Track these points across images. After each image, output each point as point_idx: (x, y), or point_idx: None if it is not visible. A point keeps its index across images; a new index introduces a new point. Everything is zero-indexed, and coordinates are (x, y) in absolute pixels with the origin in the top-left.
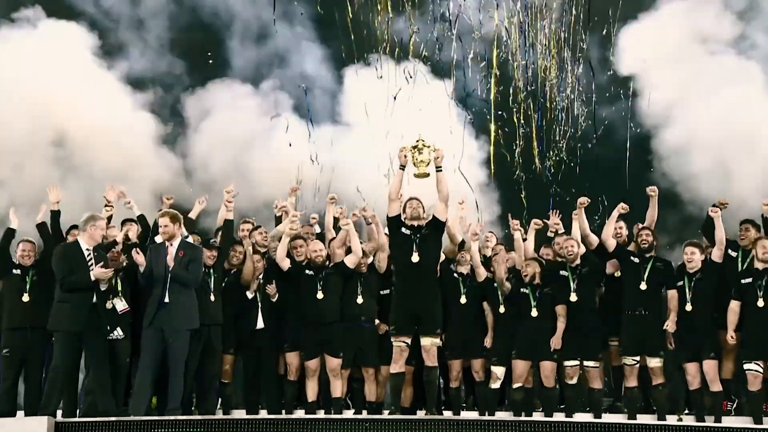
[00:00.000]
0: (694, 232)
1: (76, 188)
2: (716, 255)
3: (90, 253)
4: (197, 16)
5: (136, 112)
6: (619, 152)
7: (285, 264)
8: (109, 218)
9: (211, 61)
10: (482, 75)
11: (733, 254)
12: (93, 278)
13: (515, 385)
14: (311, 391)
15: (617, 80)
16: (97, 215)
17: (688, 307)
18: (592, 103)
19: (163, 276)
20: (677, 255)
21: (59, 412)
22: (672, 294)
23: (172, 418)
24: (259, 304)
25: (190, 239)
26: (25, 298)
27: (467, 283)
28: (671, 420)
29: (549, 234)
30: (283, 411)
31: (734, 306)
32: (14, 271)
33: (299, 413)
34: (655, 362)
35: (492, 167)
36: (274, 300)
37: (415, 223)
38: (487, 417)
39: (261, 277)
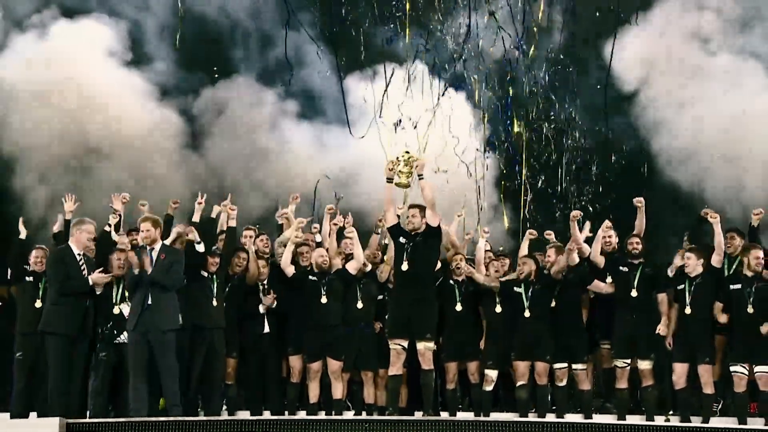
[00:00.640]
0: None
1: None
2: (715, 260)
3: (81, 258)
4: (204, 27)
5: (157, 119)
6: (624, 160)
7: (289, 270)
8: (117, 225)
9: (217, 75)
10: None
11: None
12: (90, 282)
13: (519, 383)
14: (313, 393)
15: (621, 91)
16: (85, 219)
17: (688, 310)
18: (601, 115)
19: (145, 280)
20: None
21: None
22: (662, 298)
23: (179, 419)
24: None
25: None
26: (38, 304)
27: (462, 290)
28: (659, 420)
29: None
30: (286, 412)
31: (663, 298)
32: (27, 278)
33: (301, 414)
34: (645, 364)
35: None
36: (273, 306)
37: (412, 232)
38: (482, 418)
39: (265, 282)
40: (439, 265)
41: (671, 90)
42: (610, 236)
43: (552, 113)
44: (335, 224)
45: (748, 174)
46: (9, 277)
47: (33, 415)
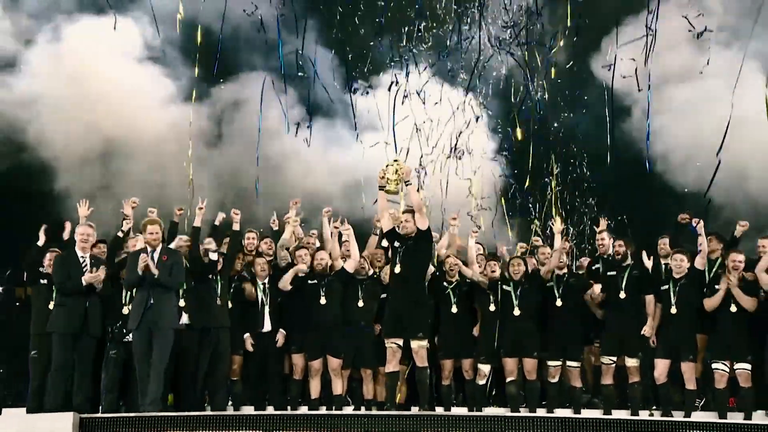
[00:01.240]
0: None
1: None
2: (699, 263)
3: (85, 260)
4: (218, 34)
5: (174, 121)
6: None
7: (287, 287)
8: (128, 231)
9: (223, 87)
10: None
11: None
12: (84, 282)
13: (508, 380)
14: (314, 389)
15: (623, 99)
16: (82, 223)
17: (673, 310)
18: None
19: (147, 280)
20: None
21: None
22: (649, 299)
23: (187, 414)
24: (266, 308)
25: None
26: (51, 305)
27: (457, 292)
28: (643, 415)
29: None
30: (288, 407)
31: (650, 299)
32: (41, 280)
33: (303, 409)
34: (632, 362)
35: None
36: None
37: (406, 236)
38: (475, 412)
39: (267, 281)
40: (432, 269)
41: (672, 94)
42: (603, 238)
43: (555, 123)
44: (335, 227)
45: (749, 175)
46: (25, 279)
47: None
